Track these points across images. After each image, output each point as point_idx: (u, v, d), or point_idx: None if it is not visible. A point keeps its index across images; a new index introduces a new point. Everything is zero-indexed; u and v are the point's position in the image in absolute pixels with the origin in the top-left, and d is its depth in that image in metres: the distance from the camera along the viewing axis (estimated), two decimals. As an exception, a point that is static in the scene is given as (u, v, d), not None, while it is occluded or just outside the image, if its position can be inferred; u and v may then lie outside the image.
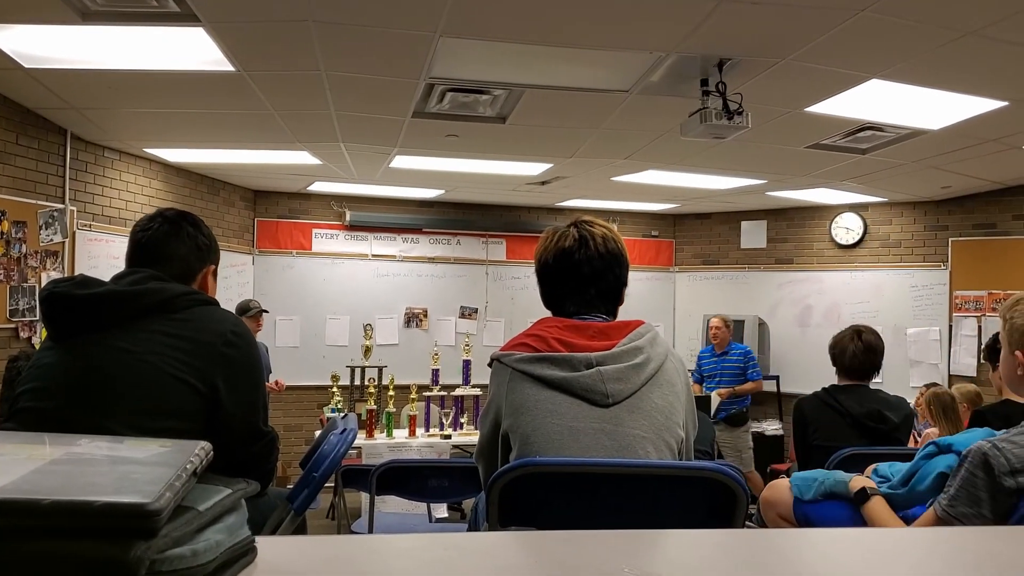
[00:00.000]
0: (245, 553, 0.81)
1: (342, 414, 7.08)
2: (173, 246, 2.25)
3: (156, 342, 1.99)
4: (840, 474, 2.79)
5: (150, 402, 1.94)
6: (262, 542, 0.86)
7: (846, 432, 3.86)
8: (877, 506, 2.57)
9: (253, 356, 2.14)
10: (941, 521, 2.13)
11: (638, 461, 1.76)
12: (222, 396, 2.02)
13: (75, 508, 0.61)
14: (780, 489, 2.91)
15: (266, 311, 7.44)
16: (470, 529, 2.44)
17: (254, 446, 2.12)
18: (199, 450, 0.80)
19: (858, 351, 3.99)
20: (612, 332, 1.97)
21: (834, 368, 4.09)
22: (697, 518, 1.73)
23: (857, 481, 2.67)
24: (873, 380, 4.09)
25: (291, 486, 2.22)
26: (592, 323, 2.01)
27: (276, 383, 7.34)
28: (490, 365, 2.03)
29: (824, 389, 4.06)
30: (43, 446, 0.77)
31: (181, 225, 2.30)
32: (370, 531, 3.36)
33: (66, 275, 5.98)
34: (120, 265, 2.30)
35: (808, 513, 2.73)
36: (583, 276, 2.07)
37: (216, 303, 2.21)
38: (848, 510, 2.64)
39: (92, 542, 0.61)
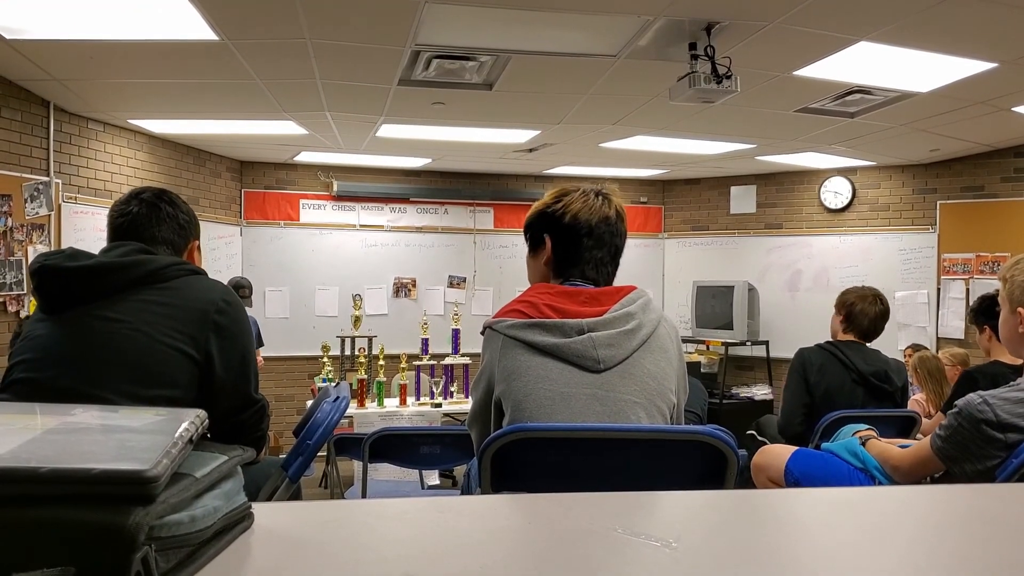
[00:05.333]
0: (242, 519, 0.81)
1: (334, 383, 7.10)
2: (154, 230, 2.25)
3: (148, 311, 2.00)
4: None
5: (143, 371, 1.96)
6: (258, 508, 0.87)
7: (849, 387, 3.96)
8: (875, 444, 2.71)
9: (244, 324, 2.16)
10: (934, 451, 2.29)
11: (629, 426, 1.77)
12: (215, 363, 2.04)
13: (73, 476, 0.61)
14: (771, 454, 2.95)
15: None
16: (463, 494, 2.46)
17: (245, 413, 2.14)
18: (194, 418, 0.80)
19: (878, 315, 4.15)
20: (604, 298, 1.97)
21: (841, 325, 4.16)
22: (689, 481, 1.75)
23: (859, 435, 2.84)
24: None
25: (284, 455, 2.23)
26: (584, 289, 2.01)
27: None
28: (483, 333, 2.04)
29: (828, 342, 4.15)
30: (38, 416, 0.77)
31: (159, 206, 2.29)
32: (363, 498, 3.38)
33: (54, 248, 5.95)
34: (106, 238, 2.30)
35: (799, 478, 2.78)
36: (615, 248, 2.12)
37: (204, 273, 2.22)
38: (836, 476, 2.71)
39: (91, 509, 0.61)
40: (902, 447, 2.65)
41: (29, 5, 4.19)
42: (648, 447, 1.73)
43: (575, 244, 2.08)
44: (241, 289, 7.35)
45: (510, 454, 1.68)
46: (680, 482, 1.73)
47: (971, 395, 2.17)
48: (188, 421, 0.78)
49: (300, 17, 4.25)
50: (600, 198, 2.11)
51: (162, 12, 4.23)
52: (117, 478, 0.62)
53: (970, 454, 2.15)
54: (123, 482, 0.62)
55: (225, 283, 2.26)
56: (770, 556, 0.83)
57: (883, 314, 4.17)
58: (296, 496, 2.19)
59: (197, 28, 4.40)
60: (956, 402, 2.21)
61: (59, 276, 2.03)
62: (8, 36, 4.63)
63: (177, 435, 0.72)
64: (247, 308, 7.26)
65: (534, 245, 2.17)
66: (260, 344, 7.37)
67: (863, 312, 4.12)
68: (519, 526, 0.88)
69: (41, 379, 1.97)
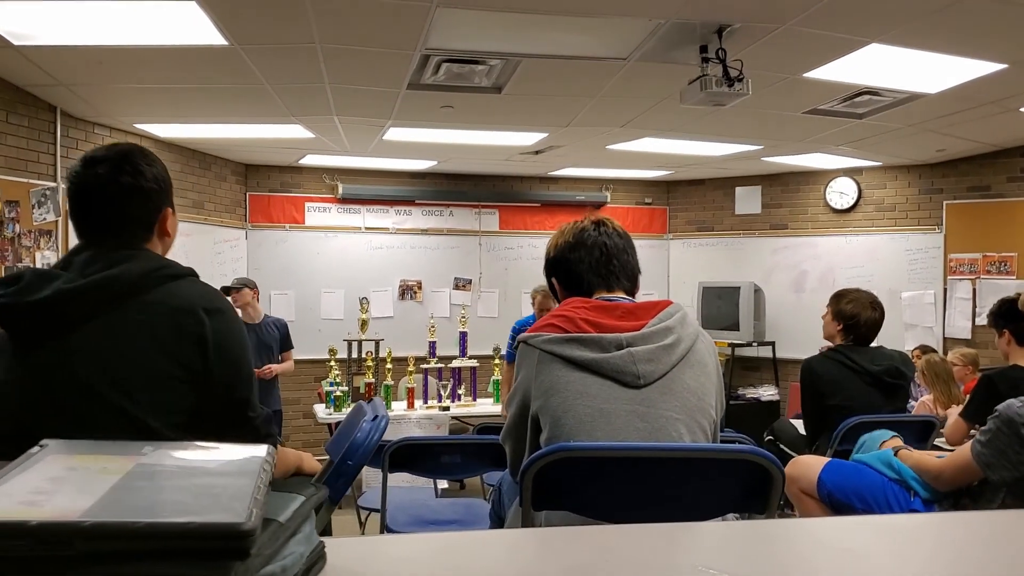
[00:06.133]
0: (318, 560, 0.80)
1: (351, 395, 7.01)
2: (117, 205, 1.91)
3: (124, 335, 1.76)
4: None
5: (133, 405, 1.74)
6: (328, 544, 0.85)
7: (864, 390, 3.92)
8: (908, 455, 2.71)
9: (233, 333, 1.89)
10: (973, 457, 2.30)
11: (673, 444, 1.75)
12: (200, 381, 1.81)
13: (171, 531, 0.59)
14: (803, 465, 2.94)
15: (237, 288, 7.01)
16: (493, 509, 2.44)
17: (232, 434, 1.83)
18: (267, 455, 0.78)
19: (874, 321, 4.10)
20: (641, 312, 1.96)
21: (838, 329, 4.12)
22: (731, 500, 1.73)
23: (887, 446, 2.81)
24: None
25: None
26: (620, 303, 2.00)
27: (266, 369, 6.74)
28: (516, 348, 2.02)
29: (832, 350, 4.10)
30: (112, 457, 0.75)
31: (118, 180, 1.90)
32: (383, 508, 3.36)
33: (60, 253, 5.92)
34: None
35: (832, 490, 2.77)
36: (606, 248, 2.13)
37: (188, 275, 1.91)
38: (870, 487, 2.70)
39: (190, 565, 0.59)
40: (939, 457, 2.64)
41: (37, 11, 4.17)
42: (692, 466, 1.72)
43: (567, 265, 2.17)
44: (235, 291, 6.94)
45: (550, 472, 1.66)
46: (723, 501, 1.72)
47: (1012, 400, 2.18)
48: (263, 460, 0.76)
49: (311, 22, 4.23)
50: (572, 224, 2.23)
51: (172, 17, 4.21)
52: (214, 532, 0.60)
53: (1007, 459, 2.15)
54: (220, 536, 0.60)
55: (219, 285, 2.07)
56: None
57: (881, 319, 4.17)
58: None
59: (207, 33, 4.37)
60: (996, 407, 2.22)
61: (13, 314, 1.75)
62: (16, 42, 4.61)
63: (257, 478, 0.71)
64: (241, 303, 6.71)
65: (555, 294, 2.27)
66: (290, 347, 7.13)
67: (864, 321, 4.09)
68: (599, 561, 0.87)
69: (9, 433, 1.67)
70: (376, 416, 1.98)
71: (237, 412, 1.90)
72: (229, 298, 6.81)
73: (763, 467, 1.64)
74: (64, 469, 0.70)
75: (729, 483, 1.73)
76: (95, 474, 0.69)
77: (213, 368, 1.82)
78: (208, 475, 0.73)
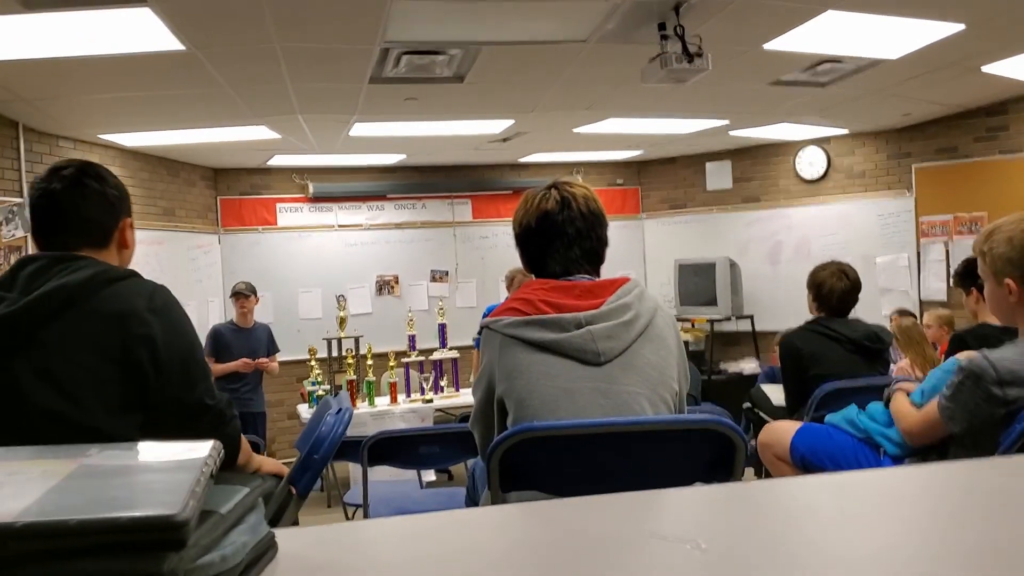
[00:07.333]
0: (267, 549, 0.81)
1: (330, 391, 7.02)
2: (81, 209, 1.99)
3: (72, 346, 1.78)
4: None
5: (84, 415, 1.75)
6: (280, 535, 0.86)
7: (847, 358, 3.89)
8: (898, 397, 2.72)
9: (177, 327, 1.92)
10: (940, 412, 2.35)
11: (635, 419, 1.78)
12: (150, 379, 1.84)
13: (102, 526, 0.60)
14: (776, 431, 2.97)
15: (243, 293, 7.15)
16: (469, 495, 2.46)
17: (200, 424, 1.93)
18: (211, 450, 0.79)
19: (846, 290, 4.03)
20: (599, 290, 1.97)
21: (813, 304, 4.11)
22: (698, 470, 1.75)
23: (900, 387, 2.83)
24: None
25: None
26: (578, 283, 2.01)
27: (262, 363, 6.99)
28: (479, 333, 2.03)
29: (812, 322, 4.07)
30: (55, 460, 0.76)
31: (83, 182, 2.01)
32: (365, 502, 3.38)
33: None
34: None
35: (805, 454, 2.80)
36: (567, 237, 2.08)
37: (129, 276, 1.95)
38: (842, 449, 2.73)
39: (124, 558, 0.60)
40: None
41: (-10, 26, 4.13)
42: (656, 438, 1.74)
43: (529, 248, 2.14)
44: (244, 297, 7.10)
45: (517, 454, 1.68)
46: (690, 471, 1.74)
47: (975, 354, 2.22)
48: (207, 455, 0.77)
49: (267, 22, 4.22)
50: (538, 196, 2.13)
51: (129, 26, 4.18)
52: (146, 525, 0.61)
53: (969, 412, 2.20)
54: (153, 528, 0.61)
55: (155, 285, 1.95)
56: (799, 553, 0.83)
57: (851, 289, 4.07)
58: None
59: (164, 39, 4.35)
60: (960, 361, 2.26)
61: None
62: (-29, 58, 4.57)
63: (198, 471, 0.71)
64: (241, 311, 6.84)
65: None
66: (276, 350, 7.27)
67: (831, 290, 4.03)
68: (547, 536, 0.88)
69: None
70: (340, 409, 1.99)
71: (198, 401, 1.94)
72: (237, 303, 7.00)
73: (726, 436, 1.66)
74: (3, 475, 0.71)
75: (694, 453, 1.76)
76: (35, 477, 0.70)
77: (164, 365, 1.86)
78: (150, 472, 0.74)
